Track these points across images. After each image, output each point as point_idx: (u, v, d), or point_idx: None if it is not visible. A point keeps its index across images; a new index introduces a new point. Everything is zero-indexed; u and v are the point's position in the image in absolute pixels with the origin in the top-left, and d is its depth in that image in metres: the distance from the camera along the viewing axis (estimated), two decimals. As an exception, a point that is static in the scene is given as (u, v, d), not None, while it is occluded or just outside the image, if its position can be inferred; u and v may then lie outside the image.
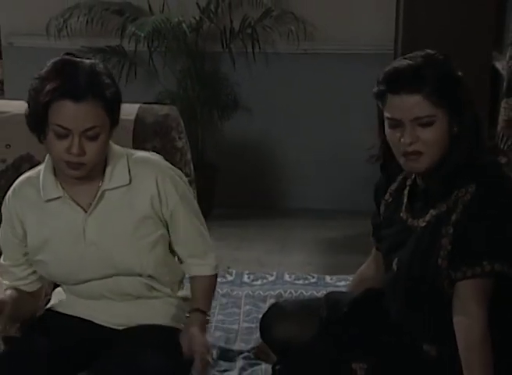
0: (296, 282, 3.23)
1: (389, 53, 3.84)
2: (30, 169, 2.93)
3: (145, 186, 1.91)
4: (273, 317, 2.08)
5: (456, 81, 1.82)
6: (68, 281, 1.98)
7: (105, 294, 1.97)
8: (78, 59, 1.82)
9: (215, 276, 2.06)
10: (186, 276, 2.08)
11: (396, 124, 1.79)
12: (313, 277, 3.31)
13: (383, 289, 1.97)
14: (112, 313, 1.98)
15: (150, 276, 1.96)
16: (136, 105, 3.04)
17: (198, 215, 2.02)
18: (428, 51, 1.84)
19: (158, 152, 2.08)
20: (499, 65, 3.60)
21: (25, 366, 1.85)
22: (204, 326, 1.97)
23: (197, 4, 4.18)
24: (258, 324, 2.22)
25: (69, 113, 1.76)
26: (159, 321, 1.99)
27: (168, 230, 1.98)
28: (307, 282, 3.27)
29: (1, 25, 4.34)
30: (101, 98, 1.78)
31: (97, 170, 1.90)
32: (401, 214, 1.90)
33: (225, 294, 3.06)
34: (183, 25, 4.04)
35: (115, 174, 1.90)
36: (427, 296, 1.83)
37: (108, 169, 1.90)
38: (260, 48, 4.20)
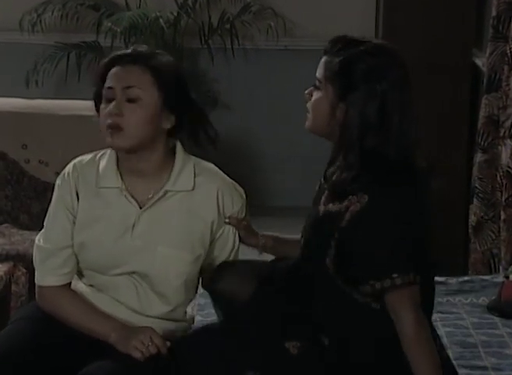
0: (275, 281, 3.21)
1: (368, 49, 3.87)
2: (3, 167, 2.94)
3: (207, 196, 1.93)
4: (219, 270, 2.03)
5: None
6: (101, 270, 1.94)
7: (126, 293, 1.93)
8: None
9: None
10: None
11: None
12: (292, 276, 3.29)
13: None
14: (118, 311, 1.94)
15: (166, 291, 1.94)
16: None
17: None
18: None
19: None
20: (479, 61, 3.60)
21: None
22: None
23: (175, -1, 4.18)
24: None
25: None
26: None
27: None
28: (286, 281, 3.24)
29: (-26, 21, 4.29)
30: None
31: (161, 169, 1.92)
32: (323, 197, 1.88)
33: (204, 295, 3.00)
34: (161, 20, 4.02)
35: (181, 178, 1.93)
36: (314, 281, 1.84)
37: (175, 172, 1.92)
38: (239, 43, 4.18)
